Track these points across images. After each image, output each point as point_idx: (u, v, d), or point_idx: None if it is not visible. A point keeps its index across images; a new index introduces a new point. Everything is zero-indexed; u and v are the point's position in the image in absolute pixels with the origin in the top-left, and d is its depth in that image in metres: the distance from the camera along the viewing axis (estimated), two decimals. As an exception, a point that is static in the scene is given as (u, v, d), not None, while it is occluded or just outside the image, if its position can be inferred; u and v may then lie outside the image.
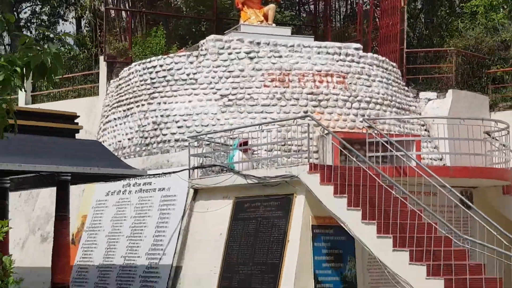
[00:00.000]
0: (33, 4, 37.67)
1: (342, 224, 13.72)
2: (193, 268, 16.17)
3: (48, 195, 20.11)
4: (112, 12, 27.25)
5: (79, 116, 15.86)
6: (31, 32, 35.97)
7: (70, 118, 15.80)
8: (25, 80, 6.29)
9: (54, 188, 15.61)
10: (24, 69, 6.17)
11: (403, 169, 14.87)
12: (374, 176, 13.95)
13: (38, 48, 6.25)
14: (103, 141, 20.35)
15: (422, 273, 12.48)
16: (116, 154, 18.11)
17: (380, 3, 24.22)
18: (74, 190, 17.38)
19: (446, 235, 13.01)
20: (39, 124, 14.27)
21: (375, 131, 15.57)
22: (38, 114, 15.40)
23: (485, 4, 26.64)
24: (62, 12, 36.91)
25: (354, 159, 14.25)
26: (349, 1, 31.21)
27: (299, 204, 14.62)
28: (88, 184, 18.45)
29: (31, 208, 21.15)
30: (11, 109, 6.37)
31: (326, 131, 16.74)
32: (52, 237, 16.89)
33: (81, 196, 19.41)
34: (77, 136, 15.85)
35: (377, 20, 24.68)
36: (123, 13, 27.64)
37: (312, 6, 31.53)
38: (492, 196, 17.17)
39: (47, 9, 36.70)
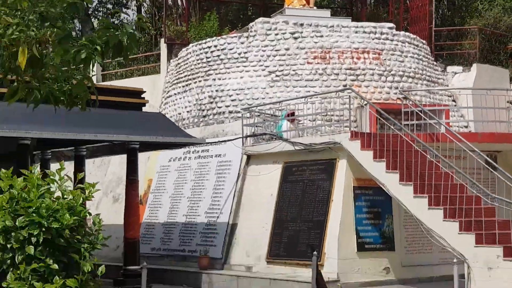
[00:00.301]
0: (100, -7, 37.53)
1: (381, 186, 13.45)
2: (247, 225, 16.01)
3: (118, 161, 20.06)
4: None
5: (145, 92, 15.71)
6: (98, 20, 35.82)
7: (137, 93, 15.71)
8: (104, 58, 6.08)
9: (124, 155, 15.54)
10: (104, 47, 5.95)
11: (435, 135, 14.49)
12: (410, 141, 13.64)
13: (115, 29, 6.04)
14: (165, 114, 20.20)
15: (455, 228, 12.21)
16: (177, 125, 17.94)
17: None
18: (141, 157, 17.25)
19: (476, 195, 12.67)
20: (111, 99, 14.17)
21: (410, 102, 15.19)
22: (110, 90, 15.33)
23: (502, -14, 25.86)
24: (124, 1, 36.77)
25: (392, 127, 13.93)
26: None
27: (342, 168, 14.38)
28: (153, 152, 18.35)
29: (104, 173, 21.12)
30: (92, 85, 6.16)
31: (365, 102, 16.40)
32: (122, 198, 16.86)
33: (147, 162, 19.32)
34: (143, 109, 15.74)
35: (408, 2, 24.08)
36: (179, 0, 27.34)
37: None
38: (515, 159, 16.76)
39: (112, -2, 36.58)
